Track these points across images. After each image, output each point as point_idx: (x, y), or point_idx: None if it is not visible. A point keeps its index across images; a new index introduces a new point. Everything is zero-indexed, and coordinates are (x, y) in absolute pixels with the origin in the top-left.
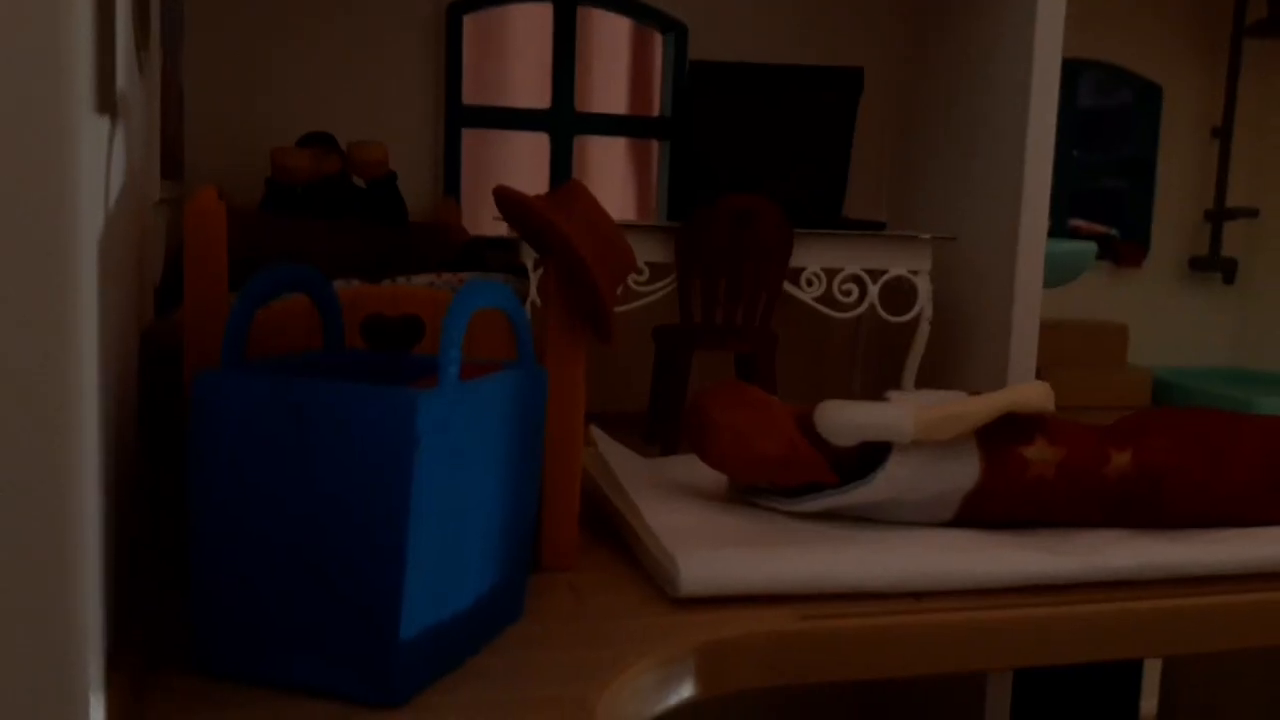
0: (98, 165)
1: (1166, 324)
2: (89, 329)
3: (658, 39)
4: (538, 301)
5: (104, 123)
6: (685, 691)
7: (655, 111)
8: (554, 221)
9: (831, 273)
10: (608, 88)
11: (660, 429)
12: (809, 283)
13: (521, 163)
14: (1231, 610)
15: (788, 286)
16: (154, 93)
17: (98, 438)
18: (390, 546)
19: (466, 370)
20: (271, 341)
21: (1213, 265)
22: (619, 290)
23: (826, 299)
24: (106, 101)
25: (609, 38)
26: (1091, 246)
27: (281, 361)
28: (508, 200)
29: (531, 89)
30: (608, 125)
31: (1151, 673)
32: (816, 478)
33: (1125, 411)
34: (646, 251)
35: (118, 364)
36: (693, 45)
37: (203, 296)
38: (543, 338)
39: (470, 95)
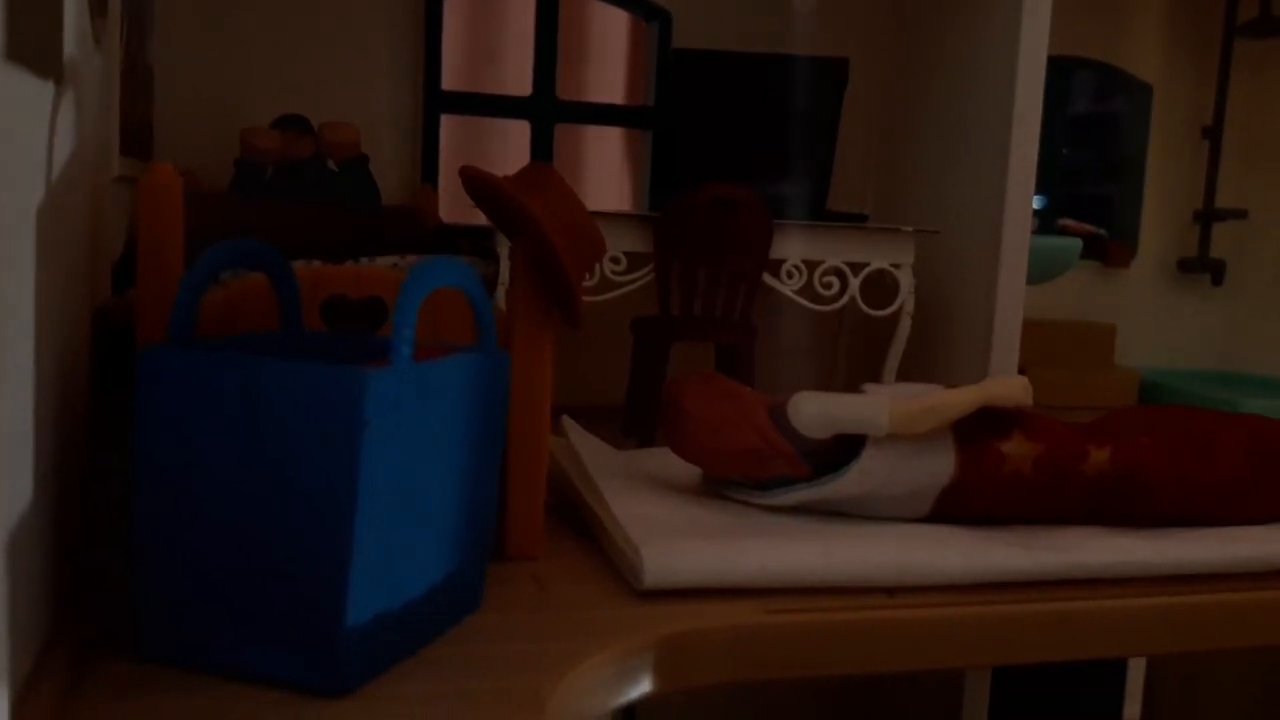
0: (34, 130)
1: (1154, 325)
2: (16, 300)
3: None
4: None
5: (45, 87)
6: (644, 686)
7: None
8: (522, 202)
9: (812, 265)
10: (604, 77)
11: (638, 421)
12: (790, 275)
13: (508, 152)
14: (1210, 610)
15: (768, 278)
16: (112, 65)
17: (29, 413)
18: (337, 528)
19: (432, 354)
20: (230, 321)
21: (1201, 266)
22: (590, 276)
23: (807, 291)
24: (51, 67)
25: (606, 27)
26: (1076, 242)
27: (234, 340)
28: (475, 180)
29: (526, 78)
30: (590, 114)
31: (1135, 676)
32: (787, 470)
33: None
34: (624, 241)
35: (61, 339)
36: (678, 34)
37: (157, 272)
38: (510, 323)
39: (462, 82)
